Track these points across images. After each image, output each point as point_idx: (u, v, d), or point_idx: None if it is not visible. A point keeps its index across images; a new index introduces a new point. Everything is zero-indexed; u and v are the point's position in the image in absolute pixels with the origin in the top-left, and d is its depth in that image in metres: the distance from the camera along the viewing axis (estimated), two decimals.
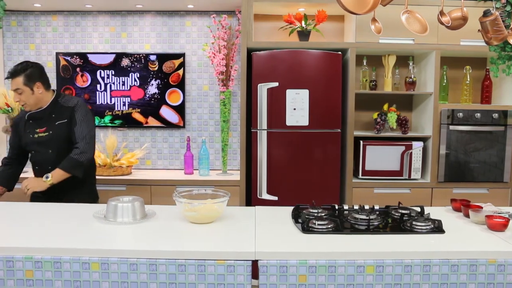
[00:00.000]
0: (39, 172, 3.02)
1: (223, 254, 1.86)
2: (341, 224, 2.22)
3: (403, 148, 3.94)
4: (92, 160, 3.16)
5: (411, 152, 3.93)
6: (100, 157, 4.18)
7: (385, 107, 4.09)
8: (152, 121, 4.46)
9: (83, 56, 4.44)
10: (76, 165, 2.92)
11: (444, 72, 4.04)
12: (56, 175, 2.87)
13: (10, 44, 4.52)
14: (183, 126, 4.47)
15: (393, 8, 2.82)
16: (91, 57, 4.44)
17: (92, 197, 3.20)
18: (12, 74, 2.94)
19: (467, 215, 2.41)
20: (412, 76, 4.07)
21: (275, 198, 3.87)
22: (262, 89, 3.83)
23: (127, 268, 1.87)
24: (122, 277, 1.88)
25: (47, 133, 3.00)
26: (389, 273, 1.85)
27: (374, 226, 2.21)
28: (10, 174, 3.14)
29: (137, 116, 4.46)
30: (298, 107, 3.83)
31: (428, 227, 2.16)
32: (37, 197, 2.94)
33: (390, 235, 2.11)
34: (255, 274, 1.88)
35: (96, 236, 2.09)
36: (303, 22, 4.03)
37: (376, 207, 2.53)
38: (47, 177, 2.85)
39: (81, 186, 3.05)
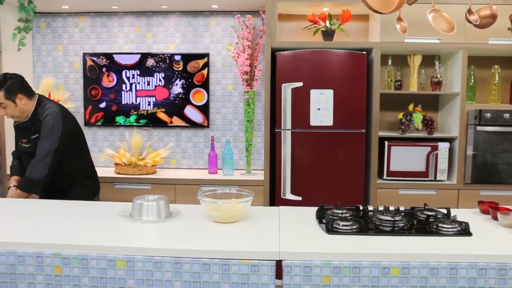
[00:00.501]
0: None
1: (247, 253, 1.86)
2: (366, 225, 2.20)
3: (428, 149, 3.89)
4: (82, 161, 3.22)
5: (437, 153, 3.88)
6: (125, 156, 4.23)
7: (411, 107, 4.05)
8: (176, 121, 4.50)
9: (109, 56, 4.50)
10: (31, 184, 2.90)
11: (472, 72, 3.97)
12: (17, 194, 2.93)
13: (40, 45, 4.61)
14: (208, 126, 4.50)
15: (419, 7, 2.79)
16: (117, 57, 4.50)
17: (92, 192, 3.27)
18: None
19: (495, 218, 2.37)
20: (438, 76, 4.01)
21: (299, 198, 3.87)
22: (286, 89, 3.82)
23: (152, 266, 1.89)
24: (147, 275, 1.90)
25: (28, 145, 3.03)
26: (415, 275, 1.82)
27: (399, 227, 2.19)
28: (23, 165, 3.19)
29: (162, 115, 4.51)
30: (322, 107, 3.81)
31: (454, 229, 2.13)
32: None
33: (415, 237, 2.08)
34: (278, 274, 1.88)
35: (122, 234, 2.11)
36: (327, 22, 4.01)
37: (401, 208, 2.50)
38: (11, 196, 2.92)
39: (78, 185, 3.15)
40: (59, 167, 2.99)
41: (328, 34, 4.02)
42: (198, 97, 4.46)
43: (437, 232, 2.12)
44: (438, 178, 3.90)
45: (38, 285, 1.95)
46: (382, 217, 2.26)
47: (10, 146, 3.76)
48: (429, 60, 4.13)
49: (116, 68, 4.50)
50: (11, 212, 2.49)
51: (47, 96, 4.28)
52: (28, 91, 3.00)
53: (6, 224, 2.26)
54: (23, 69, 4.48)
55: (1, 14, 4.16)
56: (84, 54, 4.55)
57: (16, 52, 4.22)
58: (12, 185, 3.06)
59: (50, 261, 1.93)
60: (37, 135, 2.97)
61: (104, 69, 4.52)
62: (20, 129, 3.08)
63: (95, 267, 1.92)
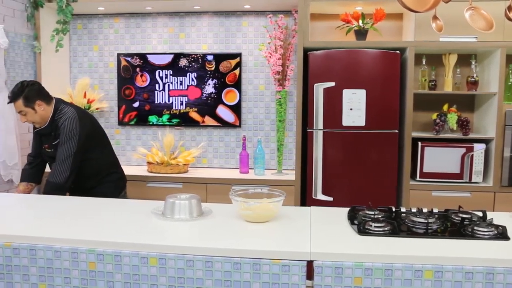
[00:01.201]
0: None
1: (278, 253, 1.86)
2: (398, 226, 2.17)
3: (463, 150, 3.81)
4: (105, 158, 3.28)
5: (472, 155, 3.79)
6: (158, 155, 4.29)
7: (445, 107, 3.97)
8: (208, 120, 4.53)
9: (142, 56, 4.57)
10: (55, 187, 2.95)
11: (510, 71, 3.87)
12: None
13: (76, 46, 4.72)
14: (239, 126, 4.52)
15: (455, 5, 2.73)
16: (150, 58, 4.56)
17: (119, 187, 3.34)
18: (11, 98, 2.98)
19: None
20: (475, 75, 3.93)
21: (330, 198, 3.84)
22: (318, 89, 3.80)
23: (183, 264, 1.91)
24: (178, 273, 1.92)
25: (51, 150, 3.09)
26: (449, 279, 1.79)
27: (433, 230, 2.15)
28: (35, 170, 3.25)
29: (194, 115, 4.55)
30: (354, 107, 3.78)
31: (491, 233, 2.07)
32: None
33: (449, 239, 2.04)
34: (309, 275, 1.87)
35: (155, 232, 2.14)
36: (360, 21, 3.97)
37: (435, 210, 2.46)
38: None
39: (104, 182, 3.23)
40: (83, 168, 3.06)
41: (361, 34, 3.98)
42: (230, 96, 4.49)
43: (472, 236, 2.07)
44: (473, 180, 3.82)
45: (74, 280, 1.99)
46: (415, 219, 2.22)
47: None
48: (465, 59, 4.05)
49: (149, 68, 4.57)
50: (47, 209, 2.56)
51: (82, 95, 4.40)
52: (46, 97, 3.06)
53: (44, 220, 2.32)
54: (60, 69, 4.61)
55: (41, 17, 4.28)
56: (119, 55, 4.63)
57: (54, 53, 4.34)
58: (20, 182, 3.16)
59: (85, 257, 1.98)
60: (58, 140, 3.02)
61: (137, 69, 4.59)
62: (41, 135, 3.15)
63: (128, 264, 1.95)
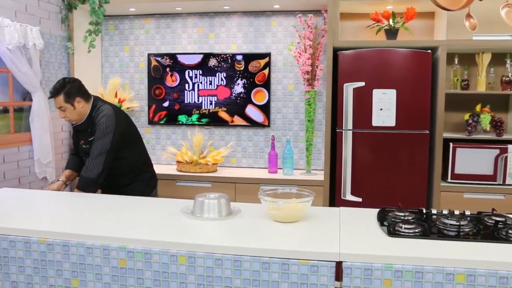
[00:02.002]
0: None
1: (307, 254, 1.85)
2: (429, 228, 2.14)
3: (497, 151, 3.72)
4: (138, 157, 3.31)
5: (507, 156, 3.71)
6: (187, 154, 4.33)
7: (478, 107, 3.89)
8: (237, 120, 4.55)
9: (172, 56, 4.62)
10: (87, 183, 3.00)
11: None
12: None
13: (108, 46, 4.80)
14: (268, 125, 4.52)
15: (489, 2, 2.67)
16: (180, 58, 4.60)
17: (150, 186, 3.36)
18: (53, 94, 3.04)
19: None
20: (510, 74, 3.83)
21: (359, 199, 3.81)
22: (348, 89, 3.78)
23: (212, 263, 1.92)
24: (207, 272, 1.93)
25: (86, 147, 3.14)
26: (482, 283, 1.75)
27: (465, 232, 2.11)
28: (79, 161, 3.31)
29: (223, 115, 4.57)
30: (384, 107, 3.74)
31: None
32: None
33: (482, 243, 2.00)
34: (338, 276, 1.86)
35: (184, 230, 2.16)
36: (390, 20, 3.93)
37: (467, 212, 2.41)
38: None
39: (136, 180, 3.27)
40: (116, 166, 3.10)
41: (391, 33, 3.94)
42: (259, 96, 4.50)
43: (506, 239, 2.02)
44: (507, 183, 3.73)
45: (105, 277, 2.03)
46: (446, 221, 2.18)
47: None
48: (499, 58, 3.95)
49: (179, 68, 4.61)
50: (80, 206, 2.61)
51: (114, 94, 4.47)
52: (85, 95, 3.12)
53: (76, 217, 2.37)
54: (92, 69, 4.69)
55: (75, 18, 4.37)
56: (149, 55, 4.69)
57: (86, 53, 4.42)
58: (60, 179, 3.20)
59: (116, 254, 2.01)
60: (93, 137, 3.07)
61: (167, 69, 4.64)
62: (78, 131, 3.22)
63: (157, 261, 1.97)
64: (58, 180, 3.22)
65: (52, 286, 2.10)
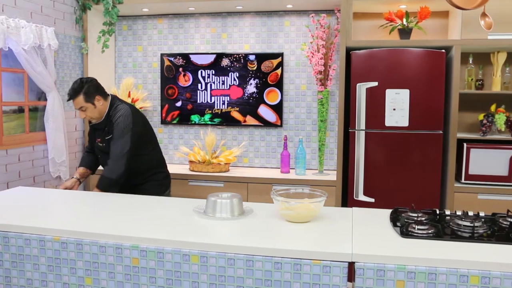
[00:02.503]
0: None
1: (319, 254, 1.85)
2: (443, 230, 2.12)
3: None
4: (153, 157, 3.34)
5: None
6: (199, 154, 4.34)
7: (493, 108, 3.85)
8: (250, 120, 4.55)
9: (185, 56, 4.64)
10: (109, 183, 3.03)
11: None
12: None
13: (121, 47, 4.83)
14: (281, 125, 4.52)
15: (505, 1, 2.64)
16: (193, 58, 4.62)
17: (164, 186, 3.39)
18: (72, 95, 3.08)
19: None
20: None
21: (372, 200, 3.80)
22: (361, 89, 3.76)
23: (224, 263, 1.93)
24: (219, 271, 1.94)
25: (102, 145, 3.18)
26: (496, 285, 1.73)
27: (479, 234, 2.09)
28: (93, 159, 3.38)
29: (236, 114, 4.58)
30: (398, 108, 3.72)
31: None
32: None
33: (497, 244, 1.97)
34: (350, 277, 1.86)
35: (196, 230, 2.17)
36: (404, 20, 3.91)
37: (481, 214, 2.39)
38: None
39: (150, 180, 3.29)
40: (132, 165, 3.12)
41: (405, 32, 3.91)
42: (271, 96, 4.49)
43: None
44: None
45: (118, 275, 2.05)
46: (460, 222, 2.17)
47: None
48: None
49: (192, 68, 4.63)
50: (94, 205, 2.63)
51: (127, 94, 4.50)
52: (103, 92, 3.17)
53: (90, 216, 2.39)
54: (105, 69, 4.73)
55: (89, 19, 4.41)
56: (162, 55, 4.71)
57: (100, 53, 4.46)
58: (74, 177, 3.25)
59: (128, 253, 2.03)
60: (111, 136, 3.11)
61: (180, 69, 4.66)
62: (95, 129, 3.26)
63: (170, 260, 1.98)
64: (72, 177, 3.26)
65: (66, 284, 2.12)
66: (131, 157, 3.07)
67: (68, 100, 3.13)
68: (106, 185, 3.03)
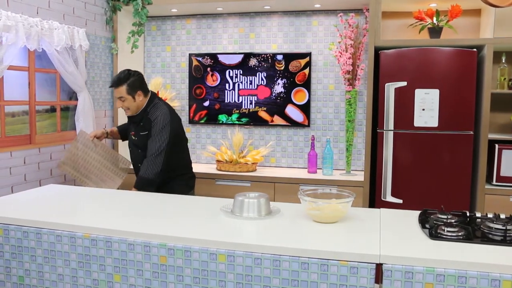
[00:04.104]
0: (134, 167, 3.39)
1: (347, 255, 1.84)
2: (473, 232, 2.09)
3: None
4: (182, 157, 3.39)
5: None
6: (227, 153, 4.36)
7: None
8: (277, 120, 4.55)
9: (213, 56, 4.66)
10: (147, 183, 3.09)
11: None
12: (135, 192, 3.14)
13: (150, 47, 4.89)
14: (308, 125, 4.50)
15: None
16: (221, 58, 4.64)
17: (189, 186, 3.42)
18: (116, 83, 3.15)
19: None
20: None
21: (400, 201, 3.75)
22: (390, 89, 3.72)
23: (251, 262, 1.93)
24: (246, 270, 1.94)
25: (135, 138, 3.26)
26: None
27: (511, 237, 2.04)
28: (123, 130, 3.56)
29: (263, 114, 4.58)
30: (427, 108, 3.66)
31: None
32: None
33: None
34: (377, 278, 1.84)
35: (224, 229, 2.18)
36: (434, 18, 3.84)
37: None
38: None
39: (177, 179, 3.33)
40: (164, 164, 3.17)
41: (435, 31, 3.85)
42: (299, 96, 4.48)
43: None
44: None
45: (146, 273, 2.07)
46: (491, 225, 2.12)
47: (122, 143, 4.00)
48: None
49: (220, 67, 4.65)
50: (122, 203, 2.67)
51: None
52: (145, 89, 3.24)
53: (119, 214, 2.42)
54: (135, 69, 4.78)
55: (119, 20, 4.48)
56: (190, 55, 4.75)
57: (129, 54, 4.52)
58: (104, 129, 3.46)
59: (156, 251, 2.05)
60: (146, 132, 3.16)
61: (208, 69, 4.69)
62: (131, 122, 3.35)
63: (197, 259, 2.00)
64: (103, 129, 3.43)
65: (95, 281, 2.16)
66: (166, 156, 3.12)
67: (111, 87, 3.23)
68: (144, 185, 3.09)
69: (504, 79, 3.85)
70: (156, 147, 3.10)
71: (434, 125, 3.68)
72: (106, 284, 2.14)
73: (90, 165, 3.47)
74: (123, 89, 3.14)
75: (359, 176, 4.10)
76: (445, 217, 2.26)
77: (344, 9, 4.31)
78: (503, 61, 3.84)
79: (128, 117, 3.34)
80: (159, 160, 3.09)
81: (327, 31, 4.42)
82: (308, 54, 4.44)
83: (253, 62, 4.56)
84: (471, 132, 3.65)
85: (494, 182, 3.69)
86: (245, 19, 4.61)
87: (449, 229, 2.04)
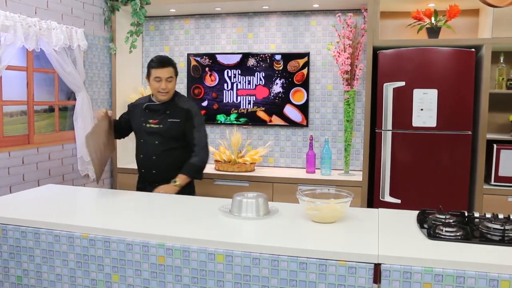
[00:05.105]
0: (144, 161, 3.28)
1: (345, 255, 1.84)
2: (471, 232, 2.09)
3: None
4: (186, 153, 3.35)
5: None
6: (225, 153, 4.36)
7: None
8: (275, 120, 4.55)
9: (211, 56, 4.66)
10: (197, 170, 3.18)
11: None
12: (182, 179, 3.11)
13: (148, 47, 4.89)
14: (306, 125, 4.50)
15: None
16: (219, 58, 4.64)
17: (192, 186, 3.38)
18: (167, 63, 3.19)
19: None
20: None
21: (398, 201, 3.76)
22: (388, 89, 3.73)
23: (250, 262, 1.93)
24: (244, 270, 1.94)
25: (158, 126, 3.21)
26: None
27: (510, 237, 2.04)
28: (119, 129, 3.43)
29: (262, 114, 4.58)
30: (425, 108, 3.67)
31: None
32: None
33: None
34: (376, 278, 1.84)
35: (222, 229, 2.18)
36: (432, 18, 3.85)
37: None
38: (175, 182, 3.08)
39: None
40: (171, 158, 3.19)
41: (433, 31, 3.86)
42: (297, 96, 4.48)
43: None
44: None
45: (144, 273, 2.07)
46: (490, 225, 2.12)
47: (120, 143, 3.97)
48: None
49: (218, 67, 4.65)
50: (120, 203, 2.67)
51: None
52: None
53: (117, 214, 2.42)
54: (133, 69, 4.79)
55: (117, 20, 4.47)
56: (188, 55, 4.75)
57: (127, 54, 4.52)
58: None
59: (155, 251, 2.05)
60: (179, 120, 3.19)
61: (207, 69, 4.69)
62: (151, 110, 3.26)
63: (195, 259, 2.00)
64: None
65: (93, 280, 2.16)
66: None
67: (160, 66, 3.17)
68: (196, 172, 3.20)
69: (502, 79, 3.86)
70: (204, 137, 3.24)
71: (433, 125, 3.68)
72: (105, 284, 2.14)
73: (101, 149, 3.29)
74: (172, 70, 3.20)
75: (358, 176, 4.10)
76: (444, 217, 2.26)
77: (343, 9, 4.31)
78: (501, 61, 3.84)
79: (147, 105, 3.27)
80: (207, 148, 3.25)
81: (326, 31, 4.42)
82: (307, 54, 4.44)
83: (251, 62, 4.56)
84: (470, 132, 3.65)
85: (492, 182, 3.70)
86: (244, 19, 4.61)
87: (447, 229, 2.05)
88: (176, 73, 3.25)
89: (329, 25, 4.39)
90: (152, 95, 3.30)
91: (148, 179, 3.26)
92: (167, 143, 3.20)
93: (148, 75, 3.23)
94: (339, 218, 2.28)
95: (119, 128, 3.42)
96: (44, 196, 2.83)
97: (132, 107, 3.41)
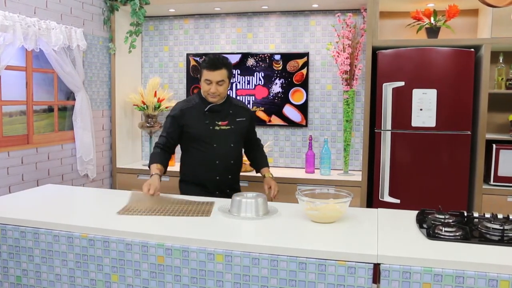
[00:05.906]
0: (220, 167, 3.03)
1: (344, 255, 1.84)
2: (471, 232, 2.09)
3: None
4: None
5: None
6: None
7: None
8: (275, 120, 4.55)
9: None
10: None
11: None
12: (269, 171, 3.28)
13: (147, 47, 4.89)
14: (306, 125, 4.50)
15: None
16: None
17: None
18: (219, 65, 2.90)
19: None
20: None
21: (397, 201, 3.76)
22: (387, 89, 3.73)
23: (249, 262, 1.93)
24: (244, 270, 1.94)
25: (229, 127, 3.05)
26: None
27: (509, 237, 2.04)
28: (168, 157, 3.07)
29: (261, 114, 4.58)
30: (425, 108, 3.67)
31: None
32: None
33: None
34: (375, 278, 1.84)
35: (221, 229, 2.18)
36: (432, 18, 3.85)
37: (511, 216, 2.34)
38: (271, 175, 3.22)
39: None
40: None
41: (432, 31, 3.86)
42: (297, 96, 4.48)
43: None
44: None
45: (143, 273, 2.07)
46: (489, 225, 2.12)
47: (120, 143, 3.99)
48: None
49: None
50: (120, 203, 2.66)
51: (153, 94, 4.54)
52: None
53: (115, 214, 2.42)
54: (132, 69, 4.79)
55: (116, 20, 4.47)
56: (188, 55, 4.75)
57: (127, 54, 4.52)
58: (154, 173, 2.83)
59: (154, 251, 2.05)
60: (244, 119, 3.15)
61: None
62: (214, 112, 3.03)
63: (195, 259, 2.00)
64: (152, 174, 2.84)
65: (93, 280, 2.16)
66: None
67: (211, 68, 2.91)
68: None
69: (502, 79, 3.86)
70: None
71: (432, 125, 3.68)
72: (104, 284, 2.14)
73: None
74: (225, 72, 2.92)
75: (357, 176, 4.10)
76: (443, 217, 2.27)
77: (342, 9, 4.31)
78: (501, 61, 3.85)
79: (210, 107, 3.01)
80: None
81: (325, 31, 4.42)
82: (306, 54, 4.44)
83: (250, 62, 4.56)
84: (469, 132, 3.66)
85: (491, 182, 3.70)
86: (243, 19, 4.61)
87: (446, 229, 2.05)
88: (230, 75, 2.98)
89: (328, 25, 4.39)
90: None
91: (221, 185, 3.07)
92: (238, 144, 3.14)
93: (200, 75, 2.99)
94: (338, 218, 2.28)
95: (173, 144, 3.10)
96: (44, 196, 2.83)
97: (185, 110, 3.04)
